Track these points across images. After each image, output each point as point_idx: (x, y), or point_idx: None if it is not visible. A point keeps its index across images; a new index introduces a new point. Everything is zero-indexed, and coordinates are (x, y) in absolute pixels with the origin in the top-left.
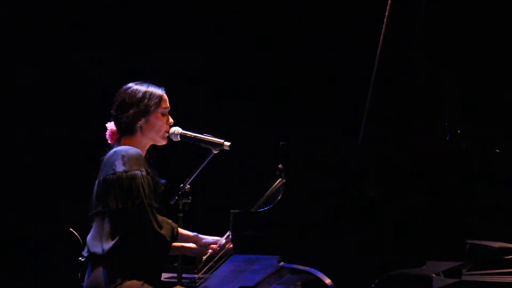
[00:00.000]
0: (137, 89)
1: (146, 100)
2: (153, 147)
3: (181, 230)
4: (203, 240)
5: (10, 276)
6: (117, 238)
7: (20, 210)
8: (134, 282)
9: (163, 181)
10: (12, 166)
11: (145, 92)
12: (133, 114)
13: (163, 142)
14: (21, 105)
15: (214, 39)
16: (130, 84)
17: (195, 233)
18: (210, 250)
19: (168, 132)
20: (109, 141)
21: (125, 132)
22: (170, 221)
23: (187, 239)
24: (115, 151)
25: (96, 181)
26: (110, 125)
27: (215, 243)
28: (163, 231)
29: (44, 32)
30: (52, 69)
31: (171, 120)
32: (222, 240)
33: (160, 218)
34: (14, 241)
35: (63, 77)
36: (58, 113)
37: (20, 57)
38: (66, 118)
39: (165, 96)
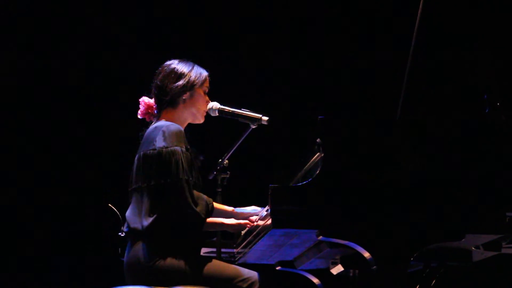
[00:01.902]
0: (186, 63)
1: (194, 74)
2: (189, 126)
3: (217, 205)
4: (242, 213)
5: (52, 251)
6: (156, 215)
7: (58, 187)
8: (173, 260)
9: (201, 157)
10: (53, 143)
11: (194, 67)
12: (182, 86)
13: (201, 120)
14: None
15: (250, 21)
16: (175, 60)
17: (231, 208)
18: (249, 225)
19: (206, 111)
20: (139, 116)
21: (168, 104)
22: (205, 197)
23: (224, 214)
24: (155, 127)
25: (136, 157)
26: (146, 99)
27: (253, 215)
28: (198, 208)
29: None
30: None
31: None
32: (263, 212)
33: (196, 194)
34: (55, 219)
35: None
36: (98, 92)
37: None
38: (106, 95)
39: (208, 77)
